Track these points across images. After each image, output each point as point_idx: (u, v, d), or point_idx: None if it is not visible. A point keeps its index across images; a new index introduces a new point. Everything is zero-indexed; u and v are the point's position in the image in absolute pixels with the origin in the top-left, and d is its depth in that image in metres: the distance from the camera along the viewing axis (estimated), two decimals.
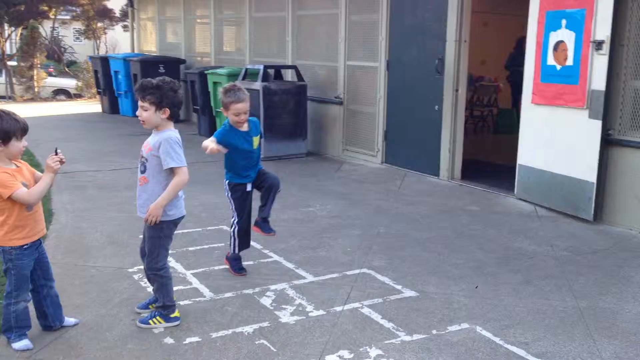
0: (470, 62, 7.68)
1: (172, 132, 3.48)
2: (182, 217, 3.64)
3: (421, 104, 7.84)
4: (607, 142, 5.71)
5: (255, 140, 4.23)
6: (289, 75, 9.66)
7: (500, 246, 5.11)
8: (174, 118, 3.50)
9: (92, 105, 15.50)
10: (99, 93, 14.56)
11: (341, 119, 9.09)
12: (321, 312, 3.79)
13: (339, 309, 3.83)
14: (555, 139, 6.08)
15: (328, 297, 4.01)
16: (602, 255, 4.91)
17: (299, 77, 9.19)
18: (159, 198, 3.42)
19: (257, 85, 8.72)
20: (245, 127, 4.16)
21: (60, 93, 19.51)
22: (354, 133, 8.94)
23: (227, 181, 4.29)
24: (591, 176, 5.72)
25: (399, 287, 4.20)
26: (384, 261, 4.69)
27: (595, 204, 5.73)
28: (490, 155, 9.03)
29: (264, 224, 4.38)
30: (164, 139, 3.42)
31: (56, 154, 3.26)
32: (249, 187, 4.25)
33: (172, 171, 3.44)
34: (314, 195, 6.73)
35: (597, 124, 5.65)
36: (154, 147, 3.44)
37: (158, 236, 3.52)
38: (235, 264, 4.38)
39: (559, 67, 6.07)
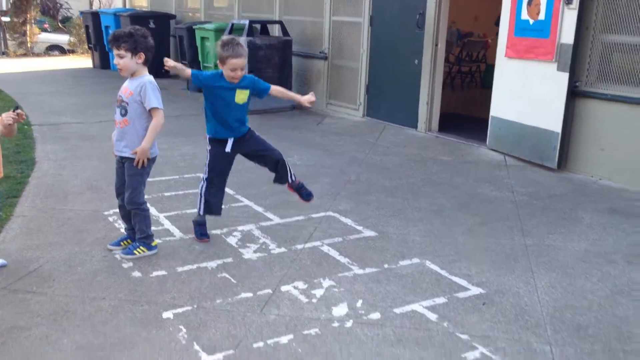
0: (463, 18, 7.74)
1: (150, 77, 3.72)
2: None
3: (402, 59, 7.96)
4: (574, 94, 5.87)
5: (240, 93, 3.96)
6: (275, 30, 9.74)
7: (464, 192, 5.33)
8: (148, 63, 3.72)
9: (84, 61, 15.55)
10: (90, 48, 14.62)
11: (325, 73, 9.21)
12: (283, 249, 4.03)
13: (300, 246, 4.08)
14: (526, 91, 6.24)
15: (291, 236, 4.25)
16: (559, 200, 5.14)
17: (285, 32, 9.27)
18: (143, 141, 3.68)
19: (242, 40, 8.81)
20: (235, 81, 3.92)
21: (54, 49, 19.52)
22: (338, 87, 9.08)
23: (208, 135, 4.11)
24: (557, 126, 5.90)
25: (360, 228, 4.44)
26: (349, 205, 4.92)
27: (560, 153, 5.93)
28: (472, 109, 9.19)
29: (300, 190, 4.27)
30: (145, 82, 3.66)
31: (14, 111, 3.44)
32: (228, 148, 4.01)
33: (150, 113, 3.67)
34: (293, 146, 6.93)
35: (565, 76, 5.81)
36: (135, 92, 3.67)
37: (140, 174, 3.78)
38: (198, 229, 4.15)
39: (531, 21, 6.18)
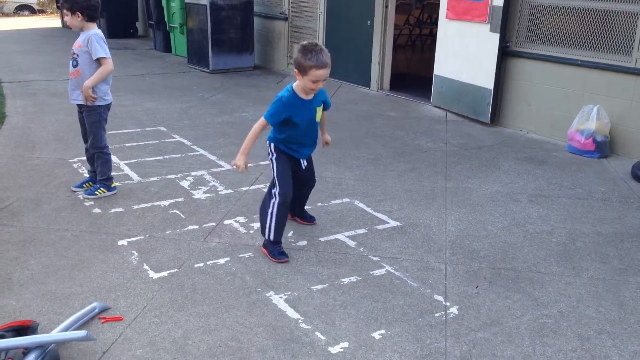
0: None
1: (96, 30, 4.14)
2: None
3: (356, 20, 8.38)
4: (505, 53, 6.38)
5: (319, 110, 3.51)
6: None
7: (402, 144, 5.85)
8: (93, 19, 4.12)
9: (54, 21, 15.64)
10: (58, 8, 14.70)
11: (286, 34, 9.59)
12: (230, 191, 4.53)
13: (245, 189, 4.58)
14: (463, 51, 6.73)
15: (239, 180, 4.75)
16: (485, 150, 5.70)
17: None
18: (87, 81, 4.09)
19: (205, 1, 9.13)
20: (310, 96, 3.39)
21: (24, 8, 19.46)
22: None
23: (272, 144, 3.52)
24: (490, 84, 6.42)
25: None
26: None
27: (493, 109, 6.47)
28: (428, 70, 9.65)
29: (301, 212, 3.87)
30: (90, 35, 4.07)
31: None
32: (303, 166, 3.56)
33: (99, 62, 4.08)
34: (250, 103, 7.37)
35: (496, 37, 6.30)
36: (84, 44, 4.09)
37: (98, 120, 4.22)
38: (273, 249, 3.51)
39: None
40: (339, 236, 3.83)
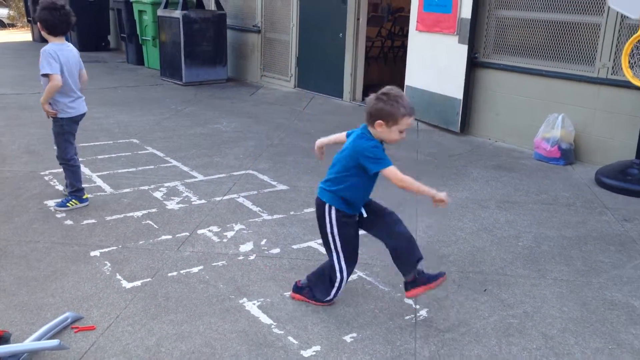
0: None
1: (49, 45, 4.06)
2: (82, 115, 4.30)
3: (328, 33, 8.50)
4: (474, 64, 6.54)
5: None
6: (211, 4, 10.09)
7: None
8: (55, 34, 4.08)
9: (24, 34, 15.50)
10: (29, 22, 14.59)
11: (259, 46, 9.67)
12: (203, 201, 4.56)
13: (218, 199, 4.61)
14: (433, 62, 6.88)
15: (212, 190, 4.78)
16: (456, 159, 5.82)
17: (219, 6, 9.65)
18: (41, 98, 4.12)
19: (177, 13, 9.17)
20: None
21: None
22: (271, 60, 9.56)
23: (333, 207, 2.99)
24: (459, 94, 6.57)
25: (274, 183, 5.00)
26: (268, 165, 5.47)
27: (463, 118, 6.61)
28: (397, 80, 9.81)
29: (423, 276, 3.00)
30: (41, 51, 4.04)
31: None
32: (365, 214, 3.07)
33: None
34: (224, 115, 7.41)
35: (465, 48, 6.46)
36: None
37: (61, 132, 4.21)
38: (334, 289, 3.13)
39: None
40: (312, 243, 3.88)
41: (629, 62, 5.06)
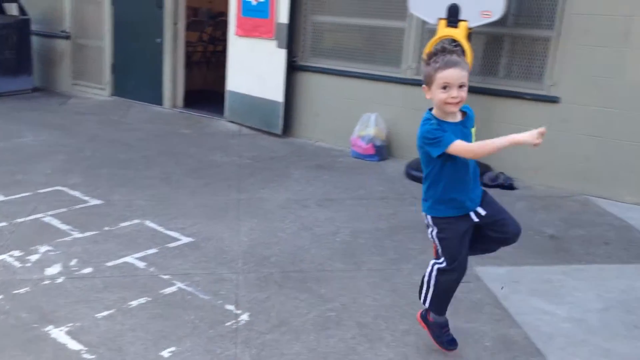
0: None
1: None
2: None
3: (144, 38, 8.17)
4: (293, 68, 6.68)
5: (474, 133, 2.66)
6: (13, 9, 9.22)
7: (196, 160, 5.82)
8: None
9: None
10: None
11: (69, 53, 9.03)
12: (3, 223, 4.12)
13: (21, 220, 4.19)
14: (254, 66, 6.91)
15: (13, 211, 4.33)
16: (277, 161, 5.90)
17: (22, 11, 8.85)
18: None
19: None
20: (457, 116, 2.60)
21: None
22: (83, 67, 8.97)
23: (429, 215, 2.69)
24: (280, 97, 6.67)
25: (86, 198, 4.67)
26: (80, 179, 5.10)
27: (284, 121, 6.73)
28: (220, 85, 9.74)
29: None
30: None
31: None
32: (474, 218, 2.64)
33: None
34: (30, 128, 6.79)
35: (283, 52, 6.57)
36: None
37: None
38: (444, 334, 2.81)
39: (254, 2, 6.84)
40: (128, 259, 3.67)
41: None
